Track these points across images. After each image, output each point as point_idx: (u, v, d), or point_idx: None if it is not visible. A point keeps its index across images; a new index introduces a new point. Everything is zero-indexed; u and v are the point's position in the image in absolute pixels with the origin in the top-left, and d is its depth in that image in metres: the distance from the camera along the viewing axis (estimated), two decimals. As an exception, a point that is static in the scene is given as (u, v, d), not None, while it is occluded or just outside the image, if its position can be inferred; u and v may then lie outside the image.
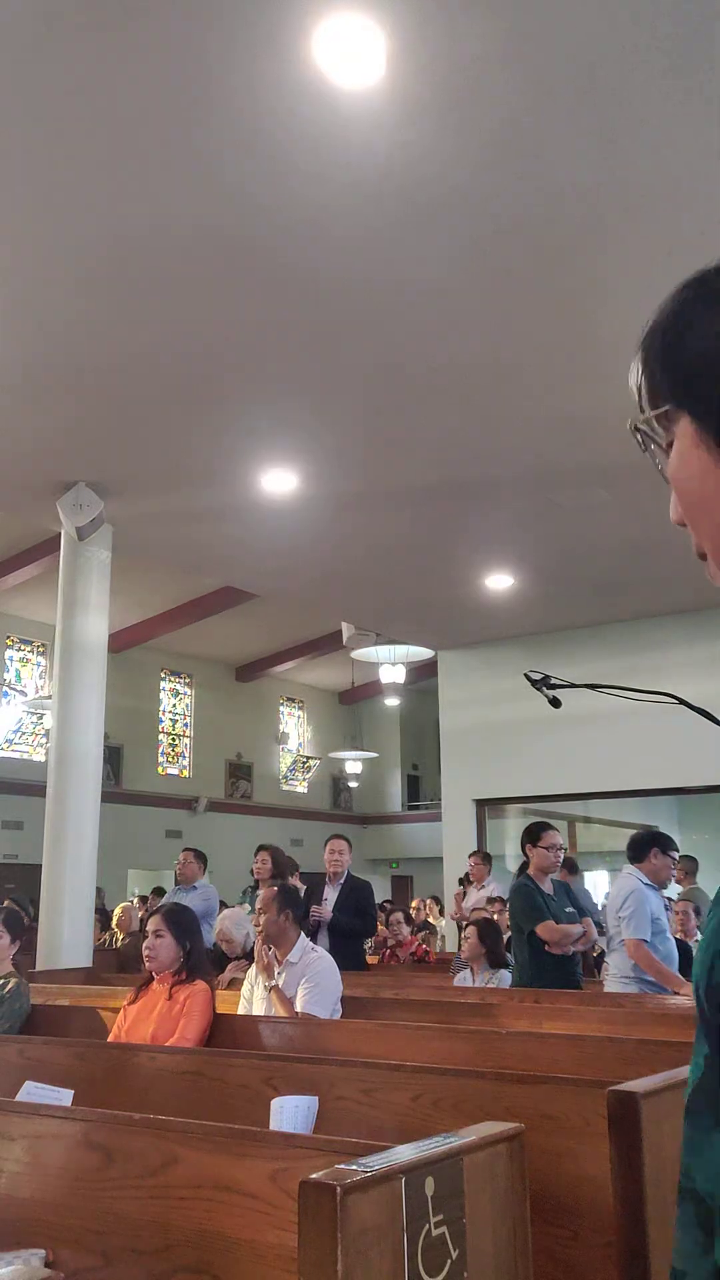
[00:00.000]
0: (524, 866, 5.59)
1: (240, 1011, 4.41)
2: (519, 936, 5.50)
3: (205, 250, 4.48)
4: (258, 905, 4.46)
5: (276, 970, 4.25)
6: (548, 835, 5.49)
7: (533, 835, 5.52)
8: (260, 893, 6.72)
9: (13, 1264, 2.03)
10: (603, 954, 6.20)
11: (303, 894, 5.79)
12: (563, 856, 5.65)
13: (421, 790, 22.57)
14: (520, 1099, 2.26)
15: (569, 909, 5.48)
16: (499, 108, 3.72)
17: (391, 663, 13.49)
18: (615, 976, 5.13)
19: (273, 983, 4.18)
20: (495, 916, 7.33)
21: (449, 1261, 1.58)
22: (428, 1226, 1.55)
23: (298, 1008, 4.09)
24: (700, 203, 4.17)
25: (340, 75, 3.55)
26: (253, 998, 4.39)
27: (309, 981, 4.15)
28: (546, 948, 5.29)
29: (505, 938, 6.89)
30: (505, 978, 5.81)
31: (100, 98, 3.67)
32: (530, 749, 10.15)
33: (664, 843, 5.22)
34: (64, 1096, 2.87)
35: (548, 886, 5.46)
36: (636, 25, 3.38)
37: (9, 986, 4.25)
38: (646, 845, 5.18)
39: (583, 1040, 3.14)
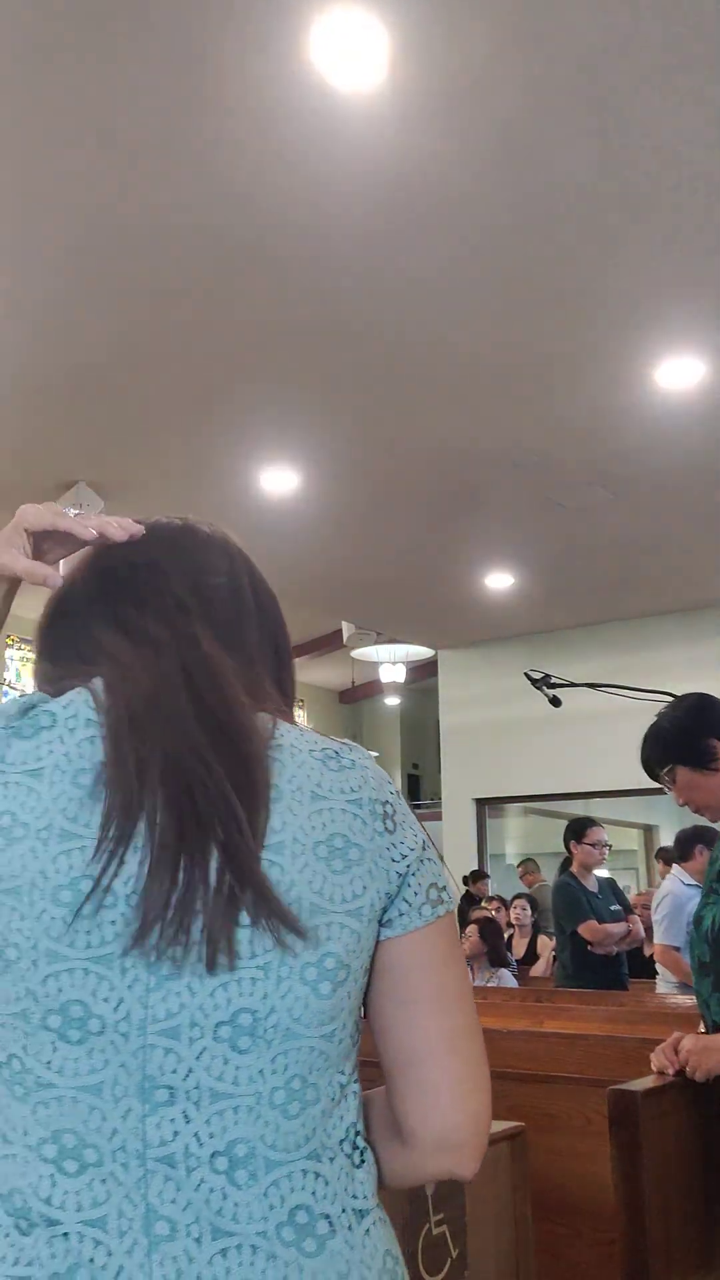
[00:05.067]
0: (566, 863, 5.46)
1: None
2: (561, 936, 5.39)
3: (205, 250, 4.48)
4: None
5: None
6: (592, 831, 5.34)
7: (576, 831, 5.37)
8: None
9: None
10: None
11: None
12: (607, 853, 5.49)
13: (422, 789, 22.54)
14: (521, 1098, 2.27)
15: (614, 907, 5.36)
16: (500, 108, 3.71)
17: (391, 662, 13.49)
18: (663, 977, 5.08)
19: None
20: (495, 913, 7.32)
21: (449, 1261, 1.58)
22: (428, 1226, 1.55)
23: None
24: (701, 202, 4.17)
25: (341, 75, 3.54)
26: None
27: None
28: (590, 948, 5.18)
29: (506, 936, 6.88)
30: (505, 977, 5.81)
31: (97, 97, 3.66)
32: (530, 749, 10.14)
33: (709, 838, 4.97)
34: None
35: (591, 884, 5.32)
36: (637, 25, 3.37)
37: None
38: (691, 843, 5.00)
39: (583, 1040, 3.14)
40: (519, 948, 7.45)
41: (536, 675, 3.46)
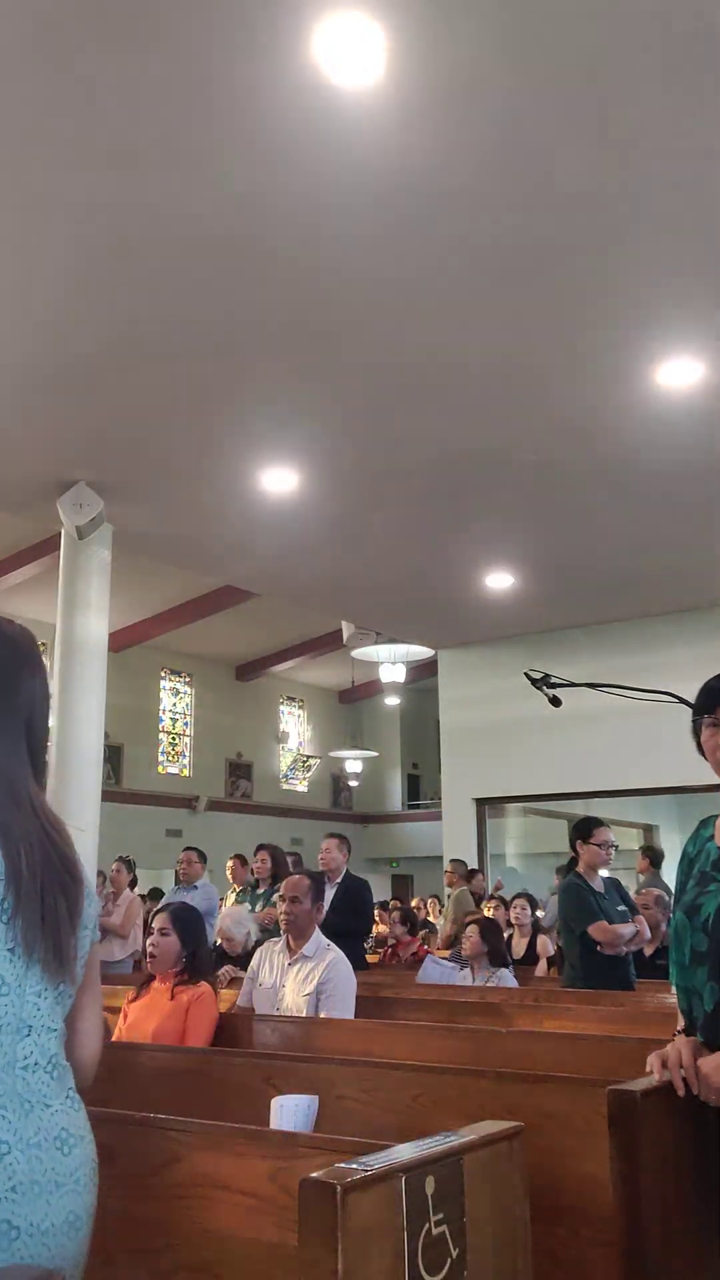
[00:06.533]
0: (572, 863, 5.42)
1: (245, 981, 4.49)
2: (570, 936, 5.33)
3: (205, 249, 4.48)
4: (285, 890, 4.39)
5: (289, 959, 4.31)
6: (600, 832, 5.26)
7: (584, 831, 5.29)
8: (276, 887, 6.73)
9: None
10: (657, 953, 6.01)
11: None
12: (613, 853, 5.44)
13: (421, 789, 22.56)
14: (520, 1098, 2.27)
15: (620, 907, 5.32)
16: (499, 108, 3.72)
17: (391, 662, 13.49)
18: None
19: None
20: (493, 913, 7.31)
21: (449, 1261, 1.58)
22: (428, 1225, 1.55)
23: (321, 1015, 4.12)
24: (700, 202, 4.17)
25: (341, 75, 3.55)
26: (261, 968, 4.41)
27: (329, 989, 4.17)
28: (599, 948, 5.15)
29: (505, 935, 6.87)
30: (506, 977, 5.80)
31: (100, 96, 3.67)
32: (530, 749, 10.14)
33: None
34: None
35: (598, 884, 5.28)
36: (636, 25, 3.38)
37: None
38: None
39: (583, 1040, 3.14)
40: (519, 948, 7.45)
41: (536, 675, 3.46)
